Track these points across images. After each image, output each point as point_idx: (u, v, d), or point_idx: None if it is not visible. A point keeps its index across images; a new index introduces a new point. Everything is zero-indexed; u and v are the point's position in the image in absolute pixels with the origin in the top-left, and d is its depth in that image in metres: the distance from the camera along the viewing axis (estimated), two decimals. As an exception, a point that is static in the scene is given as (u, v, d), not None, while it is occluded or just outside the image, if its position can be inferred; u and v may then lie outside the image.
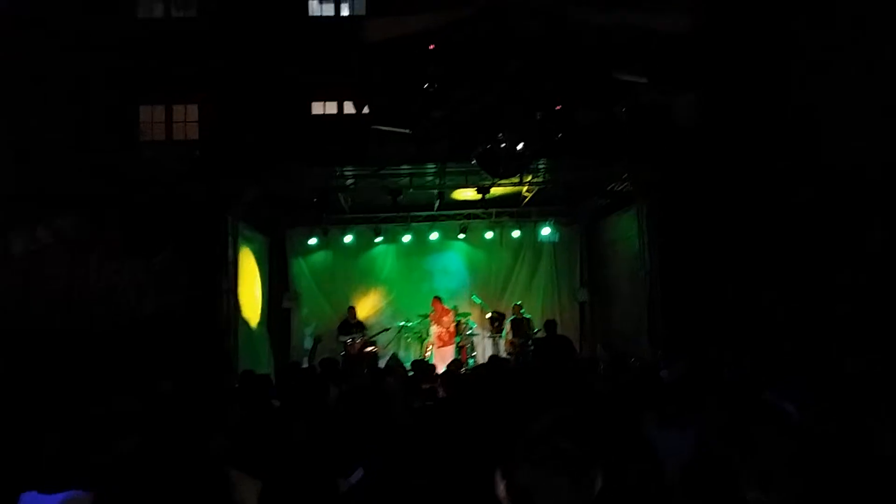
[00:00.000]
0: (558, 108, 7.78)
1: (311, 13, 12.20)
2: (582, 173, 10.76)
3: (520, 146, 7.73)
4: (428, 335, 13.19)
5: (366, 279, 13.95)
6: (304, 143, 8.93)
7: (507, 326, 13.06)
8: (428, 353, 12.75)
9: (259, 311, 12.30)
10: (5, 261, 8.09)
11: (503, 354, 12.36)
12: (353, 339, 12.62)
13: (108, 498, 2.28)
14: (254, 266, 12.22)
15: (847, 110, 6.83)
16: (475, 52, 6.71)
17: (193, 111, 9.90)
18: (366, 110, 8.32)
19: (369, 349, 12.56)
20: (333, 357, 9.44)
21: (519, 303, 13.15)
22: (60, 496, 2.43)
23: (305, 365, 11.30)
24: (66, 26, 9.22)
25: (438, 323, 13.08)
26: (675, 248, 9.60)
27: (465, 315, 13.43)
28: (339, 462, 3.38)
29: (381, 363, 11.52)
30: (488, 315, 13.44)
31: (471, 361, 12.42)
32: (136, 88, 9.79)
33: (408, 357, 12.62)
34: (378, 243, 13.63)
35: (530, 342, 12.11)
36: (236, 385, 6.69)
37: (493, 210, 13.12)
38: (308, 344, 13.26)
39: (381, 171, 10.00)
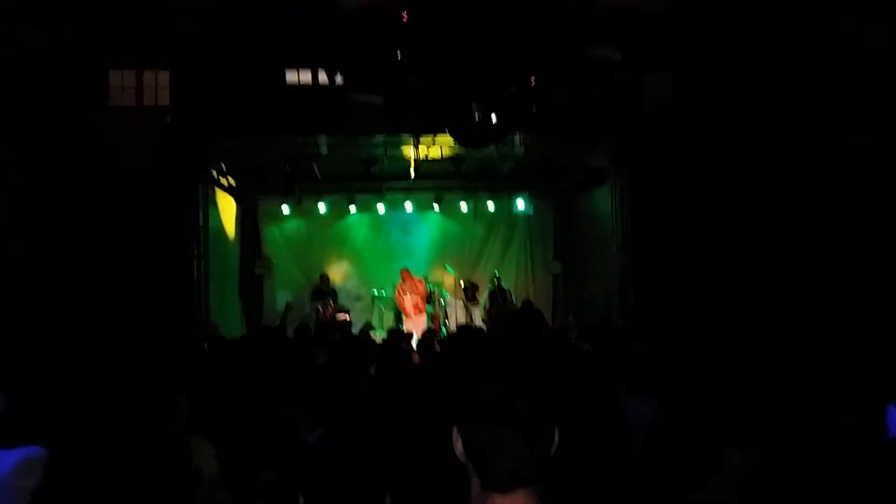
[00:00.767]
0: (532, 82, 7.81)
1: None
2: (557, 150, 10.79)
3: (493, 118, 7.76)
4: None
5: (339, 248, 14.01)
6: (276, 111, 8.86)
7: (485, 297, 13.17)
8: (402, 323, 12.87)
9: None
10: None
11: (479, 325, 12.51)
12: (324, 303, 12.70)
13: (64, 455, 2.35)
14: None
15: (814, 92, 6.94)
16: (449, 25, 6.69)
17: (165, 77, 9.74)
18: (339, 80, 8.28)
19: (342, 316, 12.65)
20: (306, 323, 9.56)
21: (497, 274, 13.29)
22: (17, 452, 2.46)
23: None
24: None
25: (412, 293, 13.18)
26: (648, 224, 9.70)
27: (438, 285, 13.55)
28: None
29: (355, 331, 11.62)
30: (462, 285, 13.56)
31: (444, 330, 12.57)
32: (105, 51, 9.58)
33: (380, 326, 12.75)
34: (352, 213, 13.69)
35: (506, 313, 12.26)
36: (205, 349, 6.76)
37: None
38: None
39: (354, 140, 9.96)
